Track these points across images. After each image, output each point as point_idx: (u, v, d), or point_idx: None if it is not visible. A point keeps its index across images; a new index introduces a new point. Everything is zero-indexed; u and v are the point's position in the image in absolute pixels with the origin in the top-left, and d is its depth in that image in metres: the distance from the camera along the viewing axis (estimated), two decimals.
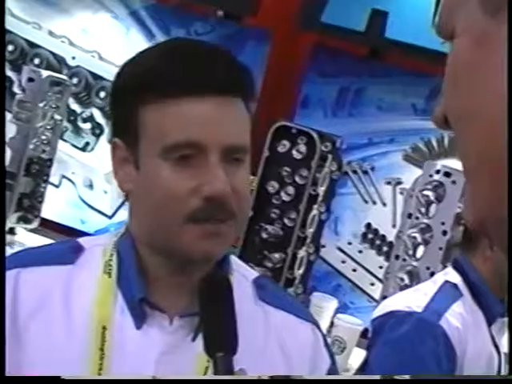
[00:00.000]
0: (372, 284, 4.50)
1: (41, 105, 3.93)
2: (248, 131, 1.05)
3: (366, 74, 4.61)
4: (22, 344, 1.03)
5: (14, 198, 3.96)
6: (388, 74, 4.52)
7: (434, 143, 4.44)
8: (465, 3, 0.51)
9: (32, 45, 5.09)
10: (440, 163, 3.28)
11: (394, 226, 4.33)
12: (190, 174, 1.00)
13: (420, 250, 3.17)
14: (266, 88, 4.21)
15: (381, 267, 4.27)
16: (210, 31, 4.82)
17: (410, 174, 4.24)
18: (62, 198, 5.05)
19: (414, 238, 3.17)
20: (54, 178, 4.57)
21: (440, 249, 3.12)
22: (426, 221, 3.15)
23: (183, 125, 1.00)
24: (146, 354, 1.04)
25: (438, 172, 3.14)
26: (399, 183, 4.51)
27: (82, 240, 1.15)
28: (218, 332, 0.95)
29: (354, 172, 4.59)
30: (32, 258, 1.12)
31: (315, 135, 3.92)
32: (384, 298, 2.96)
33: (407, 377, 1.67)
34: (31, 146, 3.94)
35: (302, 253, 3.98)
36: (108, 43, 5.03)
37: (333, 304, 3.57)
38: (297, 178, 3.98)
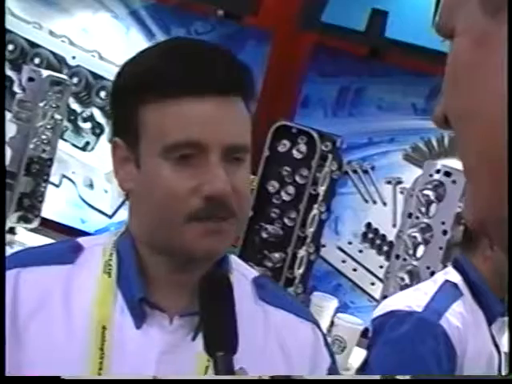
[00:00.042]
0: (372, 283, 4.50)
1: (41, 104, 3.93)
2: (248, 131, 1.05)
3: (366, 73, 4.61)
4: (21, 344, 1.03)
5: (15, 198, 3.96)
6: (388, 73, 4.52)
7: (434, 143, 4.44)
8: (465, 3, 0.51)
9: (32, 44, 5.09)
10: (440, 163, 3.28)
11: (394, 225, 4.33)
12: (191, 173, 1.00)
13: (420, 250, 3.17)
14: (266, 88, 4.21)
15: (381, 267, 4.27)
16: (210, 31, 4.82)
17: (411, 174, 4.24)
18: (63, 198, 5.05)
19: (415, 237, 3.17)
20: (54, 177, 4.57)
21: (440, 248, 3.12)
22: (426, 220, 3.15)
23: (183, 124, 1.00)
24: (146, 354, 1.04)
25: (438, 171, 3.14)
26: (399, 183, 4.51)
27: (81, 240, 1.15)
28: (218, 331, 0.95)
29: (355, 171, 4.59)
30: (32, 257, 1.12)
31: (315, 135, 3.92)
32: (384, 297, 2.96)
33: (408, 377, 1.67)
34: (31, 146, 3.94)
35: (302, 252, 3.98)
36: (108, 43, 5.03)
37: (333, 303, 3.57)
38: (297, 178, 3.98)
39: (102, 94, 4.97)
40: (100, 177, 5.00)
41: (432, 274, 2.86)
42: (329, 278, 4.59)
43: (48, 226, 4.43)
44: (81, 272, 1.09)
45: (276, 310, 1.15)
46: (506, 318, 1.96)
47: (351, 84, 4.62)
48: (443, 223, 3.12)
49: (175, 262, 1.06)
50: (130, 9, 5.01)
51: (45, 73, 3.99)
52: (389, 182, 4.55)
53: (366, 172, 4.59)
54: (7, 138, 3.83)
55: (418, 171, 3.77)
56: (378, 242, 4.53)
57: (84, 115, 5.03)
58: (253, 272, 1.20)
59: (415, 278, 3.12)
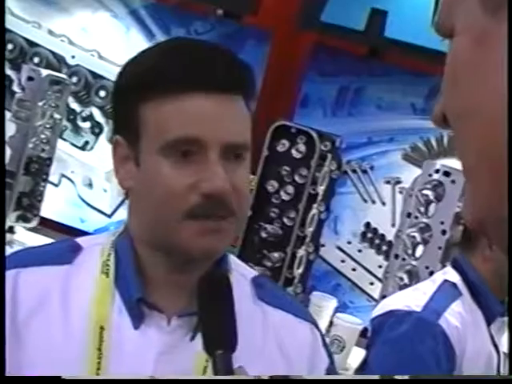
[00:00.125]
0: (371, 283, 4.50)
1: (40, 104, 3.92)
2: (248, 129, 1.05)
3: (365, 73, 4.61)
4: (21, 344, 1.03)
5: (14, 197, 3.96)
6: (387, 73, 4.52)
7: (434, 142, 4.44)
8: (464, 1, 0.51)
9: (32, 44, 5.09)
10: (439, 162, 3.28)
11: (393, 225, 4.33)
12: (190, 170, 1.00)
13: (419, 250, 3.17)
14: (265, 87, 4.21)
15: (380, 266, 4.28)
16: (209, 30, 4.82)
17: (410, 174, 4.25)
18: (62, 197, 5.05)
19: (414, 237, 3.17)
20: (53, 176, 4.57)
21: (439, 248, 3.13)
22: (425, 220, 3.15)
23: (183, 121, 1.00)
24: (143, 354, 1.03)
25: (437, 171, 3.15)
26: (398, 182, 4.51)
27: (80, 239, 1.15)
28: (218, 330, 0.95)
29: (354, 171, 4.59)
30: (31, 258, 1.12)
31: (315, 134, 3.92)
32: (383, 297, 2.96)
33: (406, 377, 1.67)
34: (30, 145, 3.94)
35: (301, 252, 3.98)
36: (108, 42, 5.03)
37: (332, 303, 3.57)
38: (296, 178, 3.98)
39: (102, 93, 4.97)
40: (99, 176, 5.00)
41: (431, 273, 2.86)
42: (328, 278, 4.60)
43: (47, 225, 4.43)
44: (79, 272, 1.09)
45: (275, 310, 1.15)
46: (506, 318, 1.96)
47: (350, 83, 4.62)
48: (442, 223, 3.12)
49: (174, 262, 1.06)
50: (130, 8, 5.01)
51: (44, 72, 3.99)
52: (388, 182, 4.55)
53: (365, 172, 4.59)
54: (7, 138, 3.83)
55: (417, 171, 3.77)
56: (377, 241, 4.53)
57: (83, 114, 5.03)
58: (252, 272, 1.20)
59: (414, 277, 3.12)
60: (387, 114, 4.56)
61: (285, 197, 4.00)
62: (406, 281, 3.14)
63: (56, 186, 4.99)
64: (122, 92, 1.08)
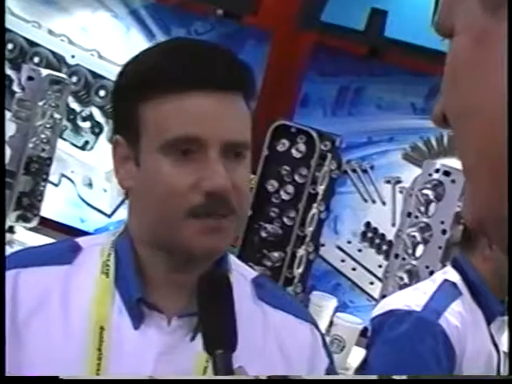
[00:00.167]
0: (371, 283, 4.50)
1: (40, 103, 3.93)
2: (249, 128, 1.05)
3: (365, 73, 4.61)
4: (21, 344, 1.03)
5: (14, 197, 3.96)
6: (387, 73, 4.52)
7: (434, 142, 4.44)
8: (464, 1, 0.51)
9: (31, 43, 5.09)
10: (439, 162, 3.28)
11: (393, 224, 4.33)
12: (190, 169, 1.00)
13: (419, 249, 3.17)
14: (265, 87, 4.21)
15: (380, 266, 4.28)
16: (209, 30, 4.82)
17: (410, 173, 4.24)
18: (62, 197, 5.05)
19: (414, 236, 3.17)
20: (53, 176, 4.57)
21: (439, 248, 3.13)
22: (425, 220, 3.15)
23: (183, 120, 1.00)
24: (143, 355, 1.03)
25: (437, 171, 3.15)
26: (398, 182, 4.51)
27: (80, 239, 1.14)
28: (218, 330, 0.95)
29: (354, 171, 4.59)
30: (31, 258, 1.12)
31: (315, 134, 3.92)
32: (383, 296, 2.96)
33: (404, 376, 1.67)
34: (31, 145, 3.94)
35: (301, 252, 3.98)
36: (107, 42, 5.03)
37: (332, 303, 3.57)
38: (296, 177, 3.98)
39: (102, 93, 4.97)
40: (99, 176, 5.00)
41: (431, 273, 2.86)
42: (328, 278, 4.60)
43: (47, 225, 4.43)
44: (79, 272, 1.09)
45: (275, 310, 1.15)
46: (506, 318, 1.96)
47: (351, 83, 4.62)
48: (442, 222, 3.12)
49: (174, 262, 1.06)
50: (130, 8, 5.01)
51: (44, 72, 3.99)
52: (388, 182, 4.55)
53: (365, 171, 4.59)
54: (7, 137, 3.83)
55: (418, 170, 3.77)
56: (377, 241, 4.53)
57: (83, 114, 5.03)
58: (252, 272, 1.20)
59: (414, 277, 3.12)
60: (387, 114, 4.56)
61: (285, 196, 4.00)
62: (406, 280, 3.14)
63: (56, 185, 4.99)
64: (122, 91, 1.08)
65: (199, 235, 1.01)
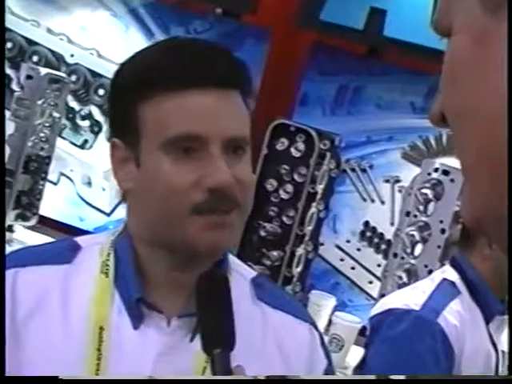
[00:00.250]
0: (370, 282, 4.50)
1: (39, 102, 3.92)
2: (247, 125, 1.06)
3: (364, 72, 4.61)
4: (21, 344, 1.03)
5: (13, 196, 3.96)
6: (386, 72, 4.52)
7: (433, 141, 4.44)
8: (463, 0, 0.51)
9: (30, 42, 5.09)
10: (438, 161, 3.28)
11: (392, 224, 4.34)
12: (192, 166, 1.00)
13: (418, 248, 3.18)
14: (264, 86, 4.21)
15: (379, 265, 4.28)
16: (208, 29, 4.82)
17: (409, 172, 4.25)
18: (61, 196, 5.05)
19: (413, 236, 3.18)
20: (52, 175, 4.57)
21: (438, 247, 3.13)
22: (424, 219, 3.16)
23: (184, 118, 1.00)
24: (143, 355, 1.03)
25: (436, 170, 3.15)
26: (398, 181, 4.51)
27: (79, 239, 1.14)
28: (216, 329, 0.95)
29: (353, 170, 4.59)
30: (31, 257, 1.12)
31: (314, 133, 3.92)
32: (382, 296, 2.96)
33: (403, 376, 1.67)
34: (29, 144, 3.94)
35: (300, 251, 3.99)
36: (107, 41, 5.03)
37: (331, 302, 3.57)
38: (295, 176, 3.98)
39: (101, 91, 4.97)
40: (98, 175, 5.00)
41: (430, 272, 2.86)
42: (327, 277, 4.60)
43: (46, 223, 4.43)
44: (78, 272, 1.08)
45: (274, 311, 1.15)
46: (505, 317, 1.96)
47: (350, 82, 4.62)
48: (441, 222, 3.12)
49: (176, 260, 1.06)
50: (129, 7, 5.01)
51: (43, 71, 3.99)
52: (387, 181, 4.55)
53: (364, 170, 4.59)
54: (6, 136, 3.83)
55: (417, 170, 3.77)
56: (376, 240, 4.53)
57: (82, 113, 5.03)
58: (251, 272, 1.19)
59: (413, 276, 3.13)
60: (386, 113, 4.56)
61: (284, 195, 4.01)
62: (405, 279, 3.14)
63: (55, 184, 4.99)
64: (120, 91, 1.07)
65: (203, 231, 1.00)
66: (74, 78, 4.94)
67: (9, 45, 5.06)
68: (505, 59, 0.46)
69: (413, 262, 3.17)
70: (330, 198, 4.12)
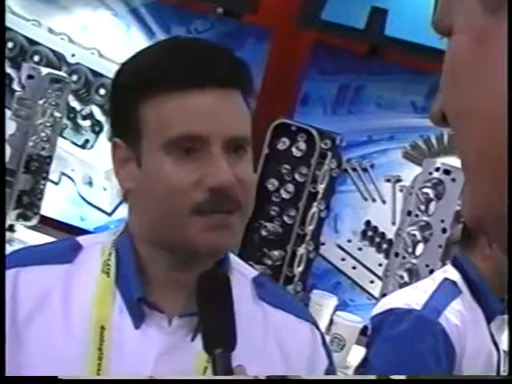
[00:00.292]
0: (371, 281, 4.50)
1: (40, 102, 3.93)
2: (248, 125, 1.05)
3: (365, 71, 4.61)
4: (21, 344, 1.03)
5: (14, 195, 3.96)
6: (387, 71, 4.52)
7: (434, 141, 4.44)
8: (464, 0, 0.51)
9: (32, 42, 5.09)
10: (439, 161, 3.28)
11: (393, 223, 4.34)
12: (193, 166, 1.00)
13: (419, 248, 3.18)
14: (265, 85, 4.21)
15: (380, 265, 4.28)
16: (209, 28, 4.82)
17: (410, 172, 4.25)
18: (62, 196, 5.05)
19: (414, 235, 3.18)
20: (53, 175, 4.57)
21: (439, 246, 3.13)
22: (425, 218, 3.16)
23: (186, 118, 1.00)
24: (144, 354, 1.03)
25: (437, 170, 3.15)
26: (399, 181, 4.52)
27: (81, 238, 1.14)
28: (217, 329, 0.95)
29: (354, 169, 4.59)
30: (32, 256, 1.12)
31: (315, 133, 3.93)
32: (383, 295, 2.96)
33: (403, 376, 1.67)
34: (31, 143, 3.95)
35: (301, 250, 3.99)
36: (108, 41, 5.03)
37: (332, 302, 3.57)
38: (296, 176, 3.98)
39: (102, 91, 4.97)
40: (99, 174, 5.00)
41: (431, 272, 2.86)
42: (328, 276, 4.60)
43: (47, 223, 4.43)
44: (79, 271, 1.08)
45: (276, 310, 1.15)
46: (506, 316, 1.96)
47: (351, 82, 4.63)
48: (442, 221, 3.12)
49: (176, 260, 1.06)
50: (130, 7, 5.02)
51: (44, 70, 3.99)
52: (388, 180, 4.55)
53: (365, 170, 4.59)
54: (7, 136, 3.84)
55: (418, 169, 3.77)
56: (377, 239, 4.54)
57: (83, 113, 5.04)
58: (252, 271, 1.19)
59: (414, 275, 3.13)
60: (387, 113, 4.56)
61: (285, 195, 4.01)
62: (406, 279, 3.14)
63: (56, 184, 4.99)
64: (121, 91, 1.07)
65: (204, 232, 1.00)
66: (75, 77, 4.94)
67: (10, 44, 5.07)
68: (505, 59, 0.46)
69: (414, 261, 3.17)
70: (331, 197, 4.12)
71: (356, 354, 2.95)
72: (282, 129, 4.02)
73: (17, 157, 3.90)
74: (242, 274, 1.15)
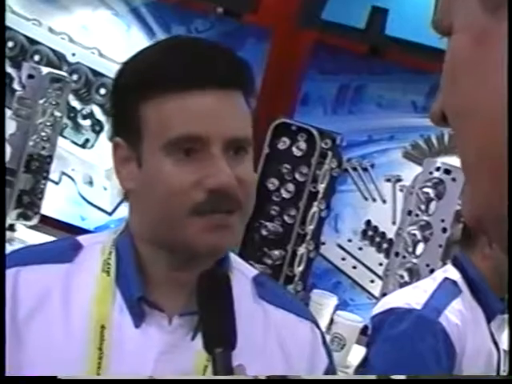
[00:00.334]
0: (372, 281, 4.50)
1: (41, 101, 3.93)
2: (249, 125, 1.05)
3: (365, 71, 4.61)
4: (21, 343, 1.03)
5: (14, 195, 3.96)
6: (388, 71, 4.52)
7: (434, 140, 4.44)
8: (464, 0, 0.51)
9: (32, 41, 5.09)
10: (440, 160, 3.29)
11: (393, 223, 4.34)
12: (193, 167, 1.00)
13: (420, 247, 3.18)
14: (266, 85, 4.21)
15: (381, 264, 4.28)
16: (209, 28, 4.82)
17: (410, 172, 4.25)
18: (62, 195, 5.05)
19: (414, 235, 3.18)
20: (53, 174, 4.57)
21: (440, 246, 3.13)
22: (425, 218, 3.16)
23: (186, 119, 1.00)
24: (144, 353, 1.03)
25: (437, 169, 3.15)
26: (399, 180, 4.52)
27: (81, 238, 1.14)
28: (217, 328, 0.95)
29: (354, 169, 4.59)
30: (32, 256, 1.12)
31: (315, 132, 3.93)
32: (384, 295, 2.96)
33: (403, 376, 1.67)
34: (31, 143, 3.94)
35: (301, 250, 3.99)
36: (108, 40, 5.03)
37: (333, 301, 3.57)
38: (297, 175, 3.98)
39: (102, 91, 4.97)
40: (100, 174, 5.00)
41: (431, 271, 2.87)
42: (328, 276, 4.60)
43: (47, 223, 4.43)
44: (80, 270, 1.08)
45: (276, 309, 1.15)
46: (506, 316, 1.96)
47: (351, 82, 4.62)
48: (443, 221, 3.12)
49: (176, 260, 1.06)
50: (131, 6, 5.02)
51: (44, 70, 3.99)
52: (388, 180, 4.55)
53: (365, 170, 4.59)
54: (7, 135, 3.84)
55: (418, 169, 3.77)
56: (377, 239, 4.53)
57: (84, 112, 5.04)
58: (253, 271, 1.19)
59: (415, 275, 3.13)
60: (388, 112, 4.56)
61: (285, 195, 4.01)
62: (407, 279, 3.14)
63: (56, 183, 4.99)
64: (122, 91, 1.07)
65: (203, 233, 1.00)
66: (75, 77, 4.94)
67: (10, 44, 5.06)
68: (505, 59, 0.46)
69: (414, 261, 3.17)
70: (332, 197, 4.12)
71: (356, 354, 2.95)
72: (283, 128, 4.02)
73: (17, 156, 3.90)
74: (243, 273, 1.15)
